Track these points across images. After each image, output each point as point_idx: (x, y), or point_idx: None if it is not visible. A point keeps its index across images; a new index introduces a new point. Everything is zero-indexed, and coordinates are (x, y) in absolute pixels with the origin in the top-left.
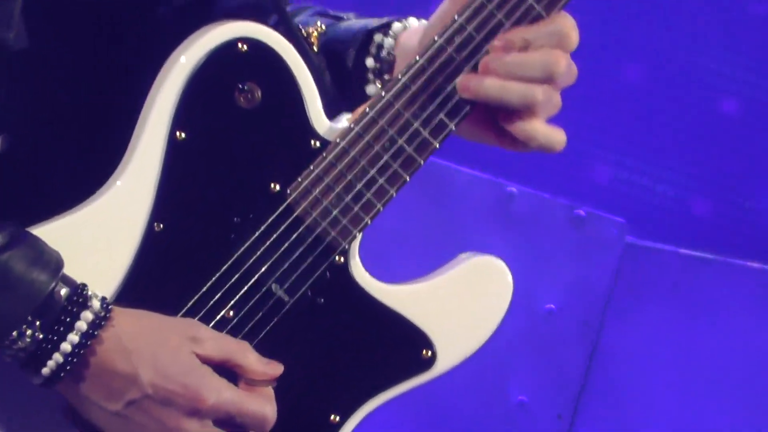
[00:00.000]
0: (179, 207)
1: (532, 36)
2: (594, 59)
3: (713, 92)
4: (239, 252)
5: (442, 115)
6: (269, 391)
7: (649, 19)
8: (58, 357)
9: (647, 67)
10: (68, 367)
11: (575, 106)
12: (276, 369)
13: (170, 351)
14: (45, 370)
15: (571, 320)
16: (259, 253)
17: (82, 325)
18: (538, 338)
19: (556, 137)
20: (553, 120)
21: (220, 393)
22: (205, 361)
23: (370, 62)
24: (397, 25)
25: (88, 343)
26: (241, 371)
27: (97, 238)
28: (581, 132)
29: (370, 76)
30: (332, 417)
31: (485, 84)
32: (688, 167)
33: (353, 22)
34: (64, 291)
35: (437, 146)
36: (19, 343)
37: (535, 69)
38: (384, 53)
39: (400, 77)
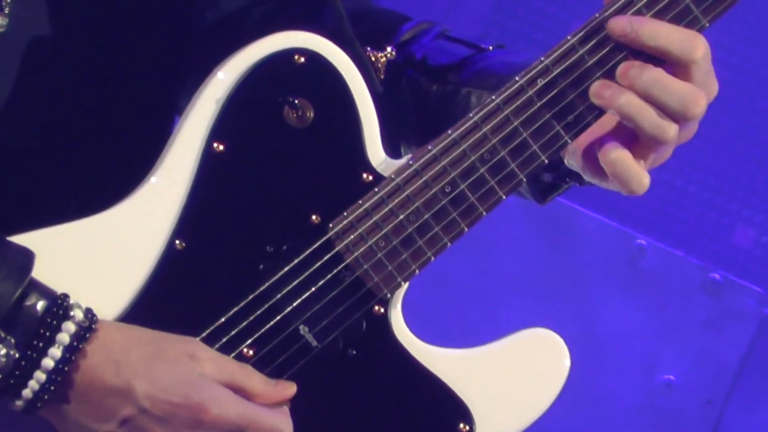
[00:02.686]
0: (206, 226)
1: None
2: (745, 103)
3: None
4: (267, 284)
5: (514, 165)
6: (283, 408)
7: None
8: (39, 375)
9: None
10: (52, 387)
11: (721, 156)
12: (286, 389)
13: (167, 362)
14: (26, 392)
15: (692, 396)
16: (289, 288)
17: (64, 337)
18: (652, 412)
19: (640, 179)
20: (702, 169)
21: (225, 403)
22: None
23: None
24: None
25: (72, 357)
26: (247, 395)
27: (111, 249)
28: (725, 186)
29: None
30: None
31: (623, 98)
32: None
33: (507, 55)
34: (41, 303)
35: (503, 197)
36: None
37: (673, 97)
38: None
39: (471, 116)
